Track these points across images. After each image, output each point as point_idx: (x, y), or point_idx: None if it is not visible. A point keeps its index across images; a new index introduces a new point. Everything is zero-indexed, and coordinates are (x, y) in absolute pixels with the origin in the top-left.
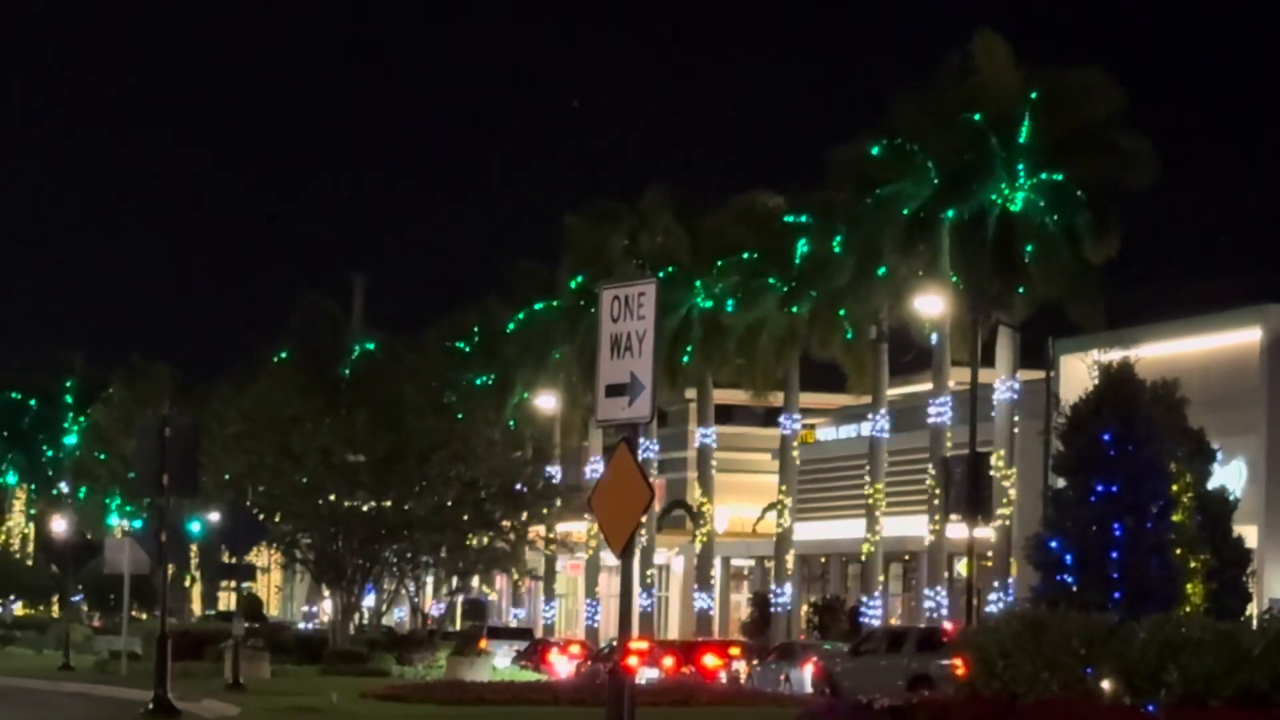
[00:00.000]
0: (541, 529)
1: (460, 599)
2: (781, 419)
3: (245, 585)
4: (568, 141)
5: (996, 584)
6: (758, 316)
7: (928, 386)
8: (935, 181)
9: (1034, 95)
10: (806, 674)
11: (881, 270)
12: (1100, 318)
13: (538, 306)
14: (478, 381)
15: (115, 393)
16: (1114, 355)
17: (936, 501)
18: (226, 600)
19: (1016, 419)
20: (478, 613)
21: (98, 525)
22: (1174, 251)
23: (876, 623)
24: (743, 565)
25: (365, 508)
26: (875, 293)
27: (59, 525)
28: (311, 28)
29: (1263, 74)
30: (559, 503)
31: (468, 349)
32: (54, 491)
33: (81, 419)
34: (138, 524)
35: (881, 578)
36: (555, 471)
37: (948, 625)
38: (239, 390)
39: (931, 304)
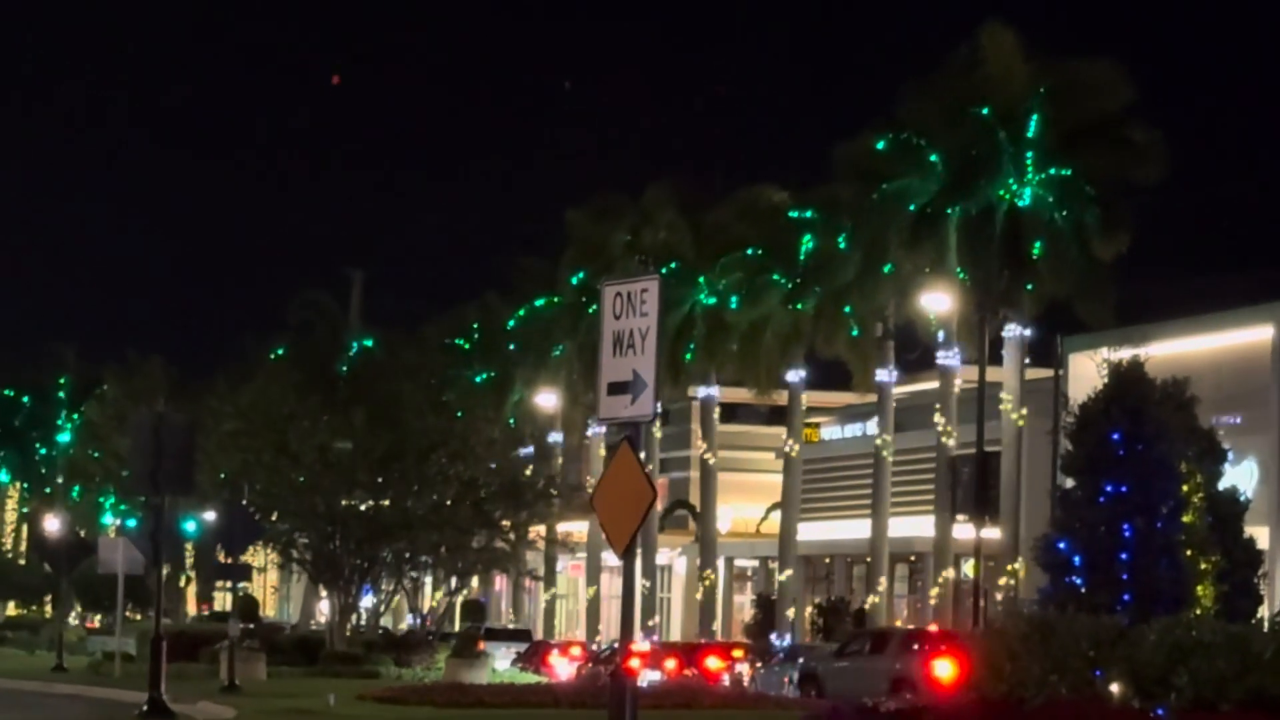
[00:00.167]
0: (542, 529)
1: (459, 599)
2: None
3: (241, 585)
4: (569, 136)
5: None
6: (761, 313)
7: (934, 385)
8: (942, 176)
9: (1042, 89)
10: None
11: (887, 267)
12: (1109, 315)
13: (538, 303)
14: (477, 379)
15: (109, 389)
16: (1123, 353)
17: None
18: (222, 600)
19: (1024, 414)
20: (477, 614)
21: (91, 524)
22: (1185, 247)
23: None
24: (746, 566)
25: (363, 507)
26: (881, 290)
27: (52, 524)
28: (310, 24)
29: (1275, 67)
30: (559, 502)
31: (467, 346)
32: (47, 490)
33: (75, 416)
34: (132, 523)
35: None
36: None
37: (932, 627)
38: (235, 387)
39: (938, 301)
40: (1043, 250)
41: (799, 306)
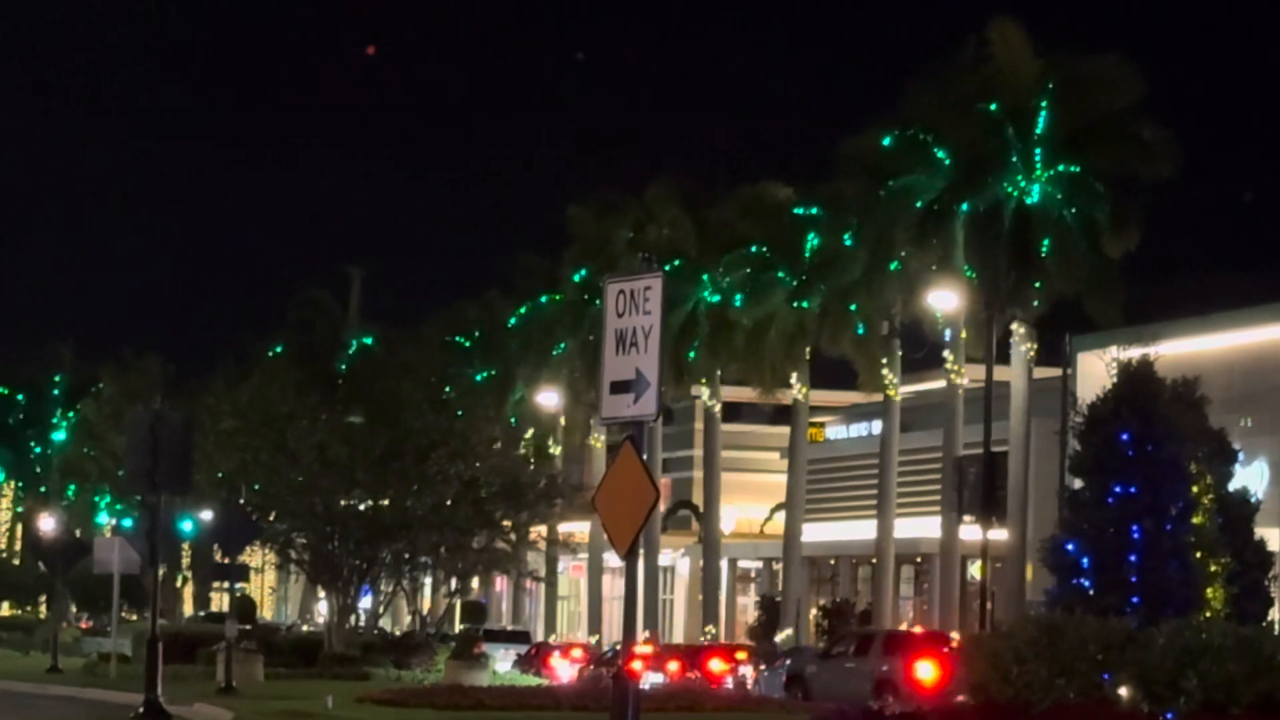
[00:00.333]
0: (543, 529)
1: (458, 600)
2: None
3: (239, 586)
4: (571, 132)
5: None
6: (766, 311)
7: (941, 384)
8: (949, 173)
9: (1051, 84)
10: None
11: (894, 264)
12: (1119, 314)
13: (540, 300)
14: (478, 377)
15: (105, 387)
16: (1133, 352)
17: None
18: (219, 601)
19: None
20: (477, 615)
21: (87, 524)
22: (1195, 246)
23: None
24: (749, 567)
25: (362, 506)
26: (887, 287)
27: (47, 524)
28: (310, 22)
29: None
30: (561, 502)
31: (468, 344)
32: (42, 489)
33: (70, 414)
34: (128, 523)
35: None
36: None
37: (917, 629)
38: (233, 385)
39: (945, 299)
40: (1051, 248)
41: (804, 305)
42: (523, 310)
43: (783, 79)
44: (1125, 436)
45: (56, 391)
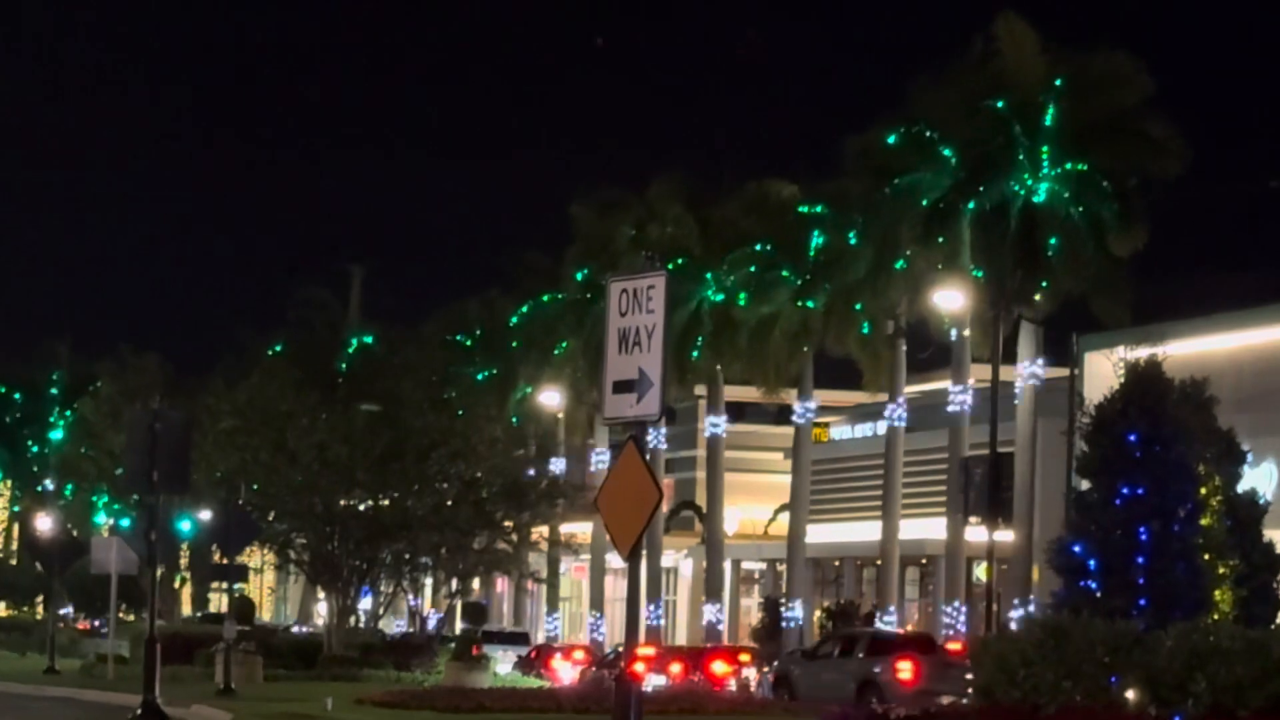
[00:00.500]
0: (544, 529)
1: (459, 601)
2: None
3: (238, 587)
4: (574, 130)
5: (1017, 600)
6: (770, 310)
7: (947, 384)
8: (955, 171)
9: (1059, 81)
10: None
11: (899, 263)
12: (1126, 313)
13: (542, 299)
14: (479, 376)
15: (103, 386)
16: (1140, 352)
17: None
18: (217, 602)
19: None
20: (477, 616)
21: (84, 523)
22: (1204, 244)
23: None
24: (753, 568)
25: (362, 507)
26: (892, 286)
27: (44, 523)
28: (311, 19)
29: None
30: (562, 502)
31: (469, 343)
32: (39, 488)
33: (68, 413)
34: (126, 522)
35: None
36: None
37: (902, 629)
38: (232, 384)
39: (951, 298)
40: (1058, 246)
41: (809, 304)
42: (524, 309)
43: (787, 76)
44: (1132, 437)
45: (54, 390)
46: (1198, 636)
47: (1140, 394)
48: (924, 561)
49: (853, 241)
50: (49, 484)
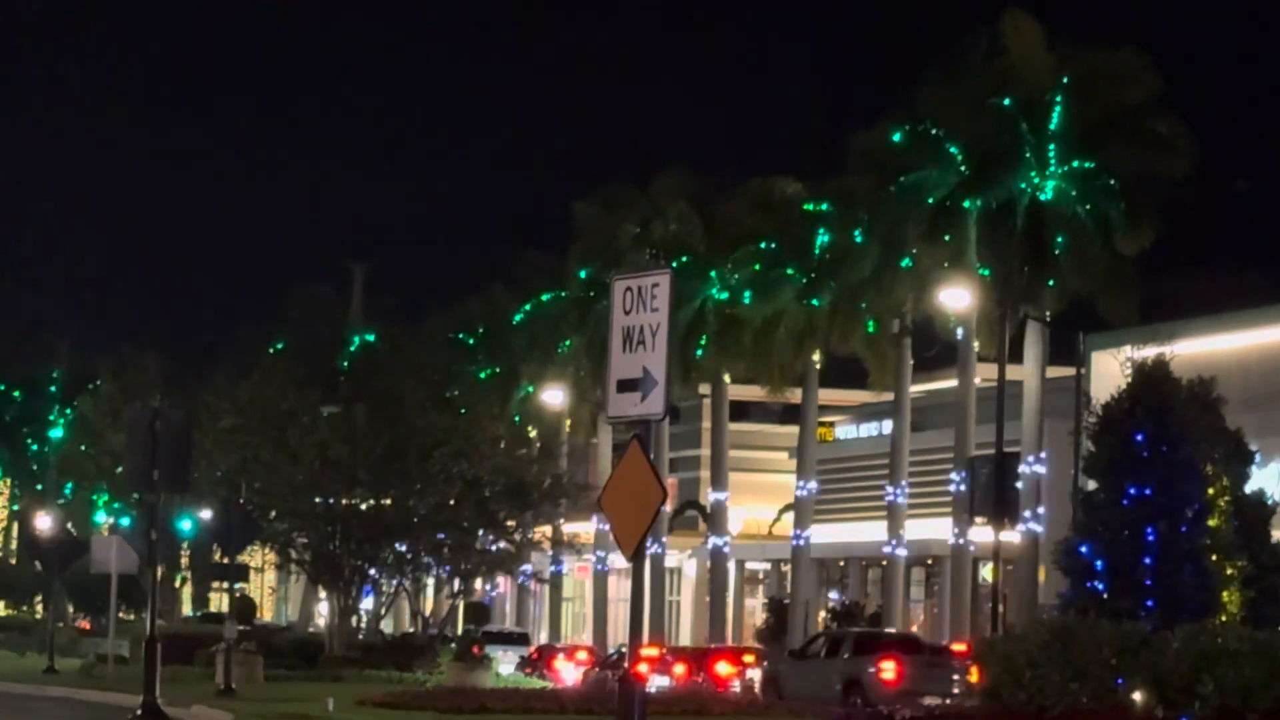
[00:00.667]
0: (548, 529)
1: (461, 601)
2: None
3: (238, 586)
4: (576, 126)
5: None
6: (775, 309)
7: (952, 383)
8: (962, 169)
9: (1066, 79)
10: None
11: (905, 261)
12: (1133, 312)
13: (545, 297)
14: (482, 375)
15: (103, 384)
16: (1148, 352)
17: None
18: (218, 601)
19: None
20: (480, 616)
21: (84, 522)
22: (1211, 243)
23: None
24: (758, 569)
25: (364, 506)
26: (898, 285)
27: (43, 522)
28: (313, 14)
29: None
30: (565, 502)
31: (471, 341)
32: (38, 487)
33: (68, 411)
34: (126, 521)
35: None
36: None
37: (890, 630)
38: (233, 383)
39: (957, 297)
40: (1065, 245)
41: (814, 302)
42: (528, 307)
43: (793, 73)
44: (1140, 437)
45: (54, 388)
46: (1205, 638)
47: (1147, 394)
48: (929, 562)
49: (858, 240)
50: (49, 482)
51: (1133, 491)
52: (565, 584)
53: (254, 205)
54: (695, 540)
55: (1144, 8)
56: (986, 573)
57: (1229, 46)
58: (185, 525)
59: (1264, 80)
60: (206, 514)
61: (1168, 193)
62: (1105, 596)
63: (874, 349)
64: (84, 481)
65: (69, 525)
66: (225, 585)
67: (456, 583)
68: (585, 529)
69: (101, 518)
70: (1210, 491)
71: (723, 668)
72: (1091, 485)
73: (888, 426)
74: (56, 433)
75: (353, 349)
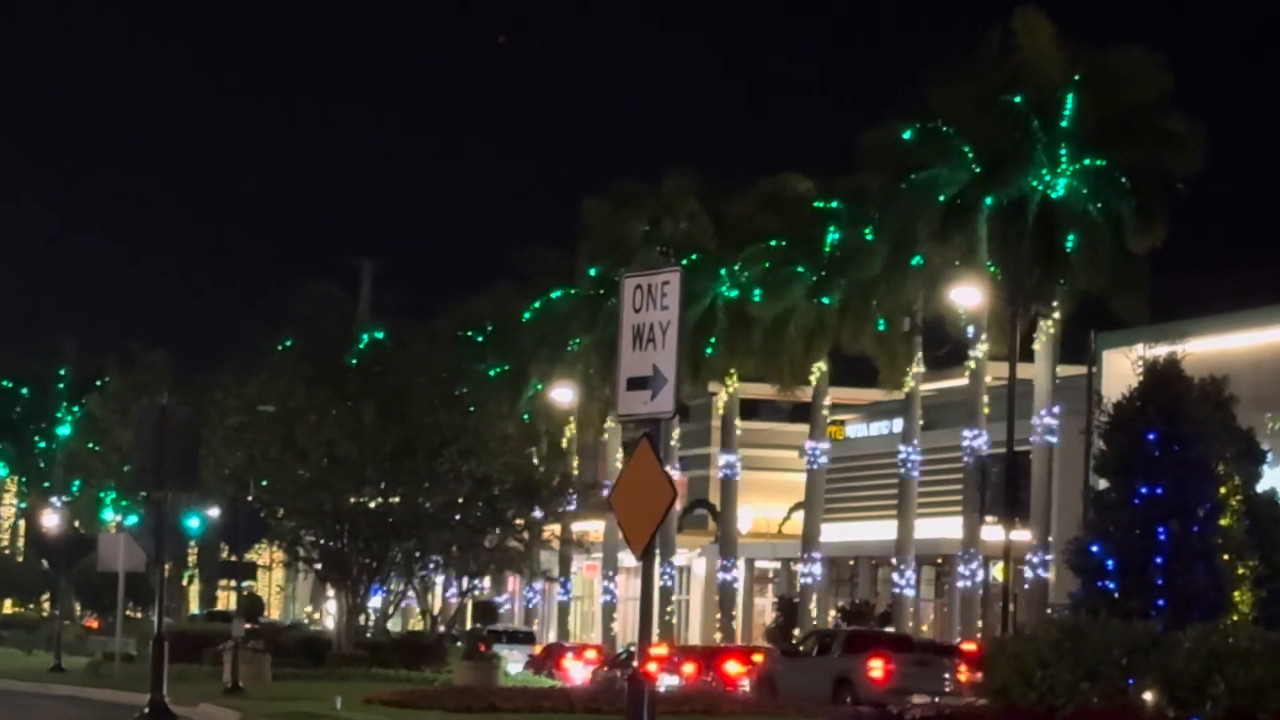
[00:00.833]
0: (556, 528)
1: (470, 600)
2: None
3: (246, 584)
4: (586, 124)
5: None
6: (786, 307)
7: (963, 382)
8: (973, 167)
9: (1078, 76)
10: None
11: (916, 259)
12: (1145, 310)
13: (554, 295)
14: (491, 373)
15: (111, 381)
16: (1159, 350)
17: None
18: (226, 600)
19: (1057, 413)
20: (488, 615)
21: (91, 520)
22: (1223, 241)
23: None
24: (767, 568)
25: (372, 504)
26: (909, 283)
27: (50, 519)
28: (316, 9)
29: None
30: (575, 500)
31: (481, 339)
32: (45, 484)
33: (75, 409)
34: (133, 519)
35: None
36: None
37: (889, 629)
38: (241, 380)
39: (968, 295)
40: (1076, 243)
41: (824, 300)
42: (537, 305)
43: (803, 70)
44: (1151, 436)
45: (61, 385)
46: (1216, 638)
47: (1159, 392)
48: (940, 561)
49: (869, 238)
50: (56, 480)
51: (1144, 490)
52: (574, 582)
53: (262, 202)
54: (705, 539)
55: (1155, 5)
56: (997, 572)
57: (1240, 44)
58: (193, 523)
59: (1269, 81)
60: (214, 512)
61: (1180, 190)
62: (1116, 596)
63: (884, 347)
64: (91, 479)
65: (76, 523)
66: (233, 583)
67: (465, 581)
68: (594, 528)
69: (109, 515)
70: (1222, 491)
71: (732, 667)
72: (1102, 484)
73: (898, 425)
74: (64, 430)
75: (361, 347)
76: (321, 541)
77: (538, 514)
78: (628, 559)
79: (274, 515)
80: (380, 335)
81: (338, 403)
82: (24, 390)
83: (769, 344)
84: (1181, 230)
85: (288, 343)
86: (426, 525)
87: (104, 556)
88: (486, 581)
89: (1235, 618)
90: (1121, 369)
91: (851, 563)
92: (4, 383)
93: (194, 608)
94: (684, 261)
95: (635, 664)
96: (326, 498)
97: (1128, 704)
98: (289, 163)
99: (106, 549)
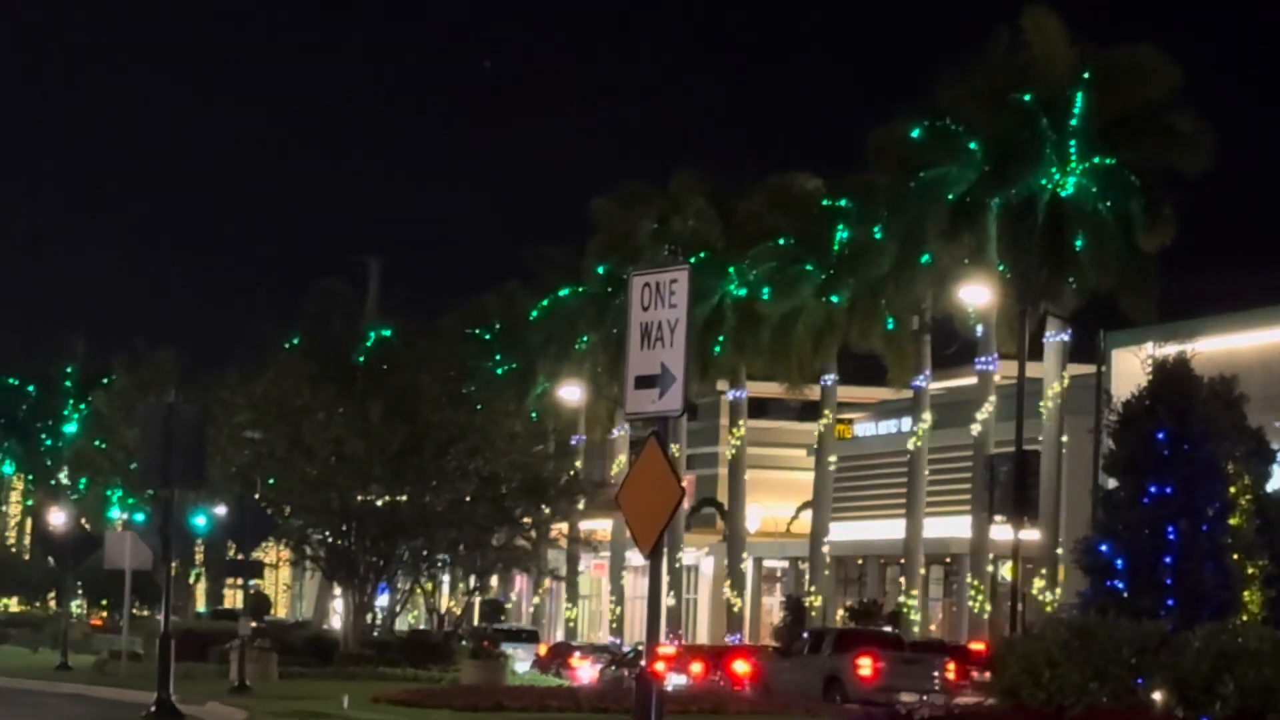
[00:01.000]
0: (564, 526)
1: (477, 599)
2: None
3: (253, 583)
4: (595, 123)
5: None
6: (794, 305)
7: (972, 381)
8: (982, 165)
9: (1086, 75)
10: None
11: (924, 258)
12: (1154, 309)
13: (562, 293)
14: (498, 371)
15: (117, 379)
16: (1168, 349)
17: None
18: (233, 598)
19: (1063, 412)
20: (494, 614)
21: (98, 518)
22: (1232, 240)
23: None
24: (775, 567)
25: (379, 502)
26: (918, 281)
27: (57, 517)
28: (321, 8)
29: None
30: (582, 498)
31: (488, 337)
32: (52, 482)
33: (82, 406)
34: (140, 517)
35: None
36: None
37: (886, 628)
38: (248, 378)
39: (977, 294)
40: (1085, 242)
41: (833, 298)
42: (544, 303)
43: (811, 68)
44: (1161, 435)
45: (68, 383)
46: (1226, 638)
47: (1168, 392)
48: (948, 560)
49: (877, 236)
50: (62, 478)
51: (1153, 490)
52: (582, 581)
53: (270, 200)
54: (713, 538)
55: (1165, 4)
56: (1005, 571)
57: (1250, 42)
58: (200, 521)
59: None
60: (221, 510)
61: (1189, 189)
62: (1125, 595)
63: (893, 346)
64: (98, 477)
65: (83, 521)
66: (240, 582)
67: (472, 580)
68: (602, 526)
69: (115, 513)
70: (1231, 490)
71: (740, 666)
72: (1112, 483)
73: (907, 424)
74: (70, 428)
75: (369, 345)
76: (328, 540)
77: (545, 512)
78: (635, 558)
79: (281, 513)
80: (388, 333)
81: (345, 401)
82: (31, 388)
83: (777, 342)
84: (1191, 229)
85: (295, 340)
86: (434, 524)
87: (110, 554)
88: (494, 580)
89: (1244, 617)
90: (1131, 368)
91: (860, 562)
92: (11, 381)
93: (200, 606)
94: (692, 260)
95: (643, 663)
96: (333, 496)
97: (1137, 704)
98: (298, 159)
99: (113, 547)
